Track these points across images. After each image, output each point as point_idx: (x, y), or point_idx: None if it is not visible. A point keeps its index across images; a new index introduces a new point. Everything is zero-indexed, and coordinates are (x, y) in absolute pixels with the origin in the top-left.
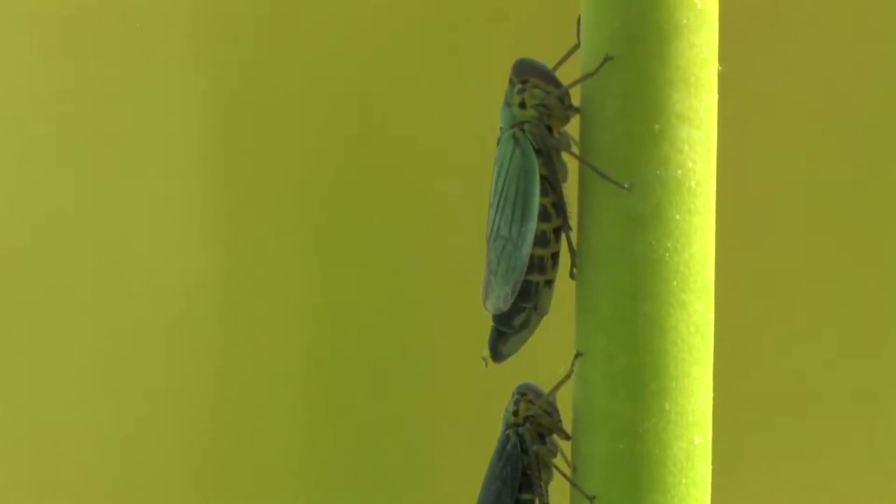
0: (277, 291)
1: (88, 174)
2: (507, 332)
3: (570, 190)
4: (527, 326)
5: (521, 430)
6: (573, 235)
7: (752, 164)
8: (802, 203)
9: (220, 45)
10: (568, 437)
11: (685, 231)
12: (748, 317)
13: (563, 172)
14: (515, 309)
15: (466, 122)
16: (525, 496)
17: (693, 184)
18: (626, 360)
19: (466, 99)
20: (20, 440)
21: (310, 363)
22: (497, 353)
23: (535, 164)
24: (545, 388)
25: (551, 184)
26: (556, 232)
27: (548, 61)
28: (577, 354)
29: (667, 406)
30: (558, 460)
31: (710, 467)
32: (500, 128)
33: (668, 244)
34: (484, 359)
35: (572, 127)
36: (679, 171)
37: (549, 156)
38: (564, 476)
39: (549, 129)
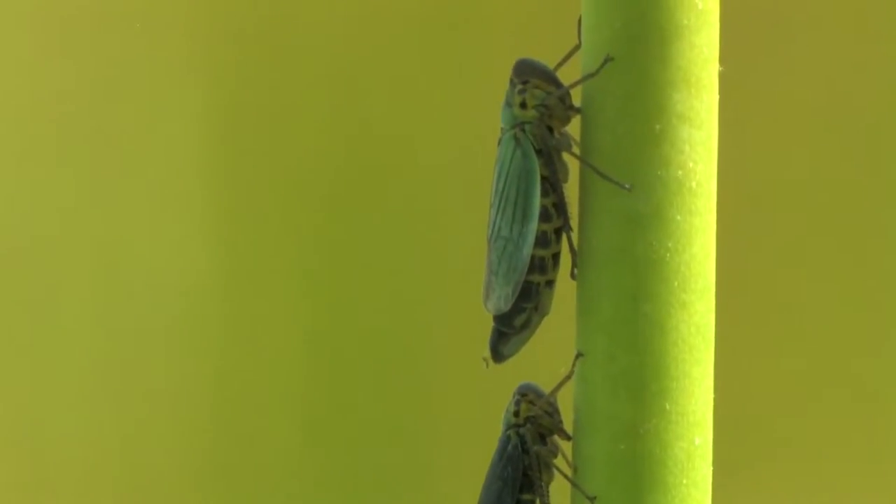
0: (277, 291)
1: (88, 174)
2: (508, 332)
3: (571, 190)
4: (528, 327)
5: (521, 430)
6: (574, 236)
7: (752, 165)
8: (803, 203)
9: (219, 45)
10: (569, 438)
11: (686, 231)
12: (749, 317)
13: (563, 173)
14: (516, 309)
15: (467, 123)
16: (526, 497)
17: (694, 184)
18: (627, 361)
19: (467, 99)
20: (20, 440)
21: (310, 363)
22: (498, 354)
23: (536, 165)
24: (546, 389)
25: (552, 184)
26: (557, 232)
27: (549, 62)
28: (578, 355)
29: (667, 406)
30: (559, 461)
31: (711, 468)
32: (501, 128)
33: (669, 245)
34: (485, 359)
35: (573, 127)
36: (680, 172)
37: (549, 156)
38: (565, 476)
39: (550, 129)
